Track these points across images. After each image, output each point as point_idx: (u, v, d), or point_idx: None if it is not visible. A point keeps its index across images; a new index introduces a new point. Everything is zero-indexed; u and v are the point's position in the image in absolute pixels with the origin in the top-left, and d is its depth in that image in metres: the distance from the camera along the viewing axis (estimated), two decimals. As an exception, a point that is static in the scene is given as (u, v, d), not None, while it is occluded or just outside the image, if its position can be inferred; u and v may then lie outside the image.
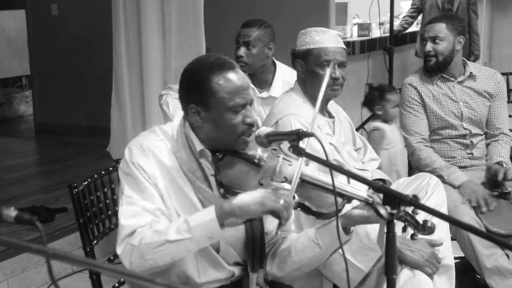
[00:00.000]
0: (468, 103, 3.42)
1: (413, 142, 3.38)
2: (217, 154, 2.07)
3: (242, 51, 3.47)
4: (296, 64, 2.76)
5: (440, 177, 3.21)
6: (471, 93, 3.43)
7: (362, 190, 2.08)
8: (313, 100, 2.71)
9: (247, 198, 1.90)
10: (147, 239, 1.91)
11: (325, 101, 2.77)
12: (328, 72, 2.24)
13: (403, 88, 3.49)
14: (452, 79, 3.42)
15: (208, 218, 1.89)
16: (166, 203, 2.02)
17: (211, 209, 1.91)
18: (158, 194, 2.01)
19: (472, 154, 3.45)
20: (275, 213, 1.89)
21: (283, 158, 2.11)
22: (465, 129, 3.41)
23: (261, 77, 3.57)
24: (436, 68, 3.39)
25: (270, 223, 2.16)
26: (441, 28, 3.35)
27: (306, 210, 2.05)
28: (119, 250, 1.95)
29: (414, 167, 3.56)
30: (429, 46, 3.36)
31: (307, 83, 2.73)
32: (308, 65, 2.70)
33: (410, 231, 2.07)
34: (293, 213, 1.97)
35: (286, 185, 2.03)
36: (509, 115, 3.66)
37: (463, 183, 3.23)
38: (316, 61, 2.68)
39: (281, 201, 1.87)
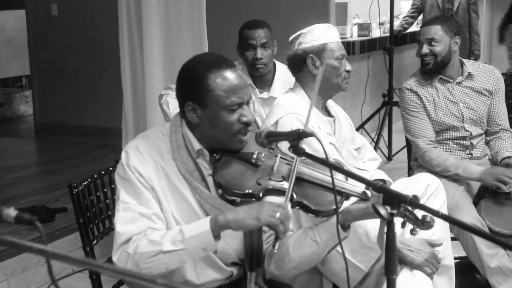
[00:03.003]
0: (468, 103, 3.41)
1: (421, 145, 3.36)
2: (215, 154, 2.07)
3: (262, 53, 3.45)
4: (307, 61, 2.71)
5: (456, 174, 3.27)
6: (471, 92, 3.43)
7: (360, 186, 2.08)
8: (321, 97, 2.72)
9: (242, 212, 1.90)
10: (142, 248, 1.92)
11: (328, 97, 2.78)
12: (321, 70, 2.25)
13: (402, 93, 3.46)
14: (450, 80, 3.41)
15: (202, 230, 1.90)
16: (163, 206, 2.03)
17: (206, 221, 1.92)
18: (154, 198, 2.01)
19: (471, 154, 3.45)
20: (271, 227, 1.90)
21: (281, 157, 2.12)
22: (466, 130, 3.41)
23: (263, 77, 3.57)
24: (434, 70, 3.38)
25: None
26: (437, 30, 3.34)
27: (305, 208, 2.06)
28: (115, 258, 1.96)
29: (414, 167, 3.55)
30: (425, 49, 3.36)
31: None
32: (324, 60, 2.69)
33: (409, 226, 2.07)
34: (291, 211, 1.97)
35: (285, 184, 2.03)
36: (509, 116, 3.66)
37: (481, 173, 3.23)
38: (333, 54, 2.69)
39: (277, 215, 1.87)
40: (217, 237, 1.91)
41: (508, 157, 3.33)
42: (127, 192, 2.02)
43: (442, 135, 3.43)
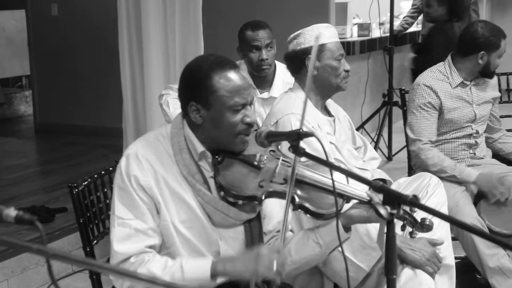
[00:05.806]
0: (480, 104, 3.42)
1: (420, 144, 3.34)
2: (217, 156, 2.07)
3: (267, 53, 3.45)
4: (306, 61, 2.71)
5: (452, 176, 3.25)
6: (483, 93, 3.44)
7: (360, 190, 2.08)
8: (320, 97, 2.72)
9: (240, 264, 1.92)
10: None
11: (328, 97, 2.78)
12: (311, 66, 2.24)
13: (418, 88, 3.39)
14: (467, 82, 3.41)
15: (202, 276, 1.93)
16: (162, 215, 2.02)
17: (207, 268, 1.93)
18: (151, 211, 2.01)
19: (474, 153, 3.45)
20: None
21: (282, 160, 2.12)
22: (472, 129, 3.42)
23: (264, 77, 3.57)
24: None
25: (268, 223, 2.17)
26: None
27: (306, 211, 2.06)
28: (112, 276, 1.97)
29: (415, 167, 3.54)
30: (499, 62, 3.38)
31: (319, 79, 2.71)
32: (323, 60, 2.69)
33: (408, 229, 2.07)
34: (291, 213, 1.97)
35: (286, 186, 2.03)
36: (509, 115, 3.67)
37: (477, 177, 3.24)
38: (333, 55, 2.70)
39: (275, 268, 1.87)
40: (214, 277, 1.94)
41: None
42: (123, 204, 2.01)
43: (450, 134, 3.42)
